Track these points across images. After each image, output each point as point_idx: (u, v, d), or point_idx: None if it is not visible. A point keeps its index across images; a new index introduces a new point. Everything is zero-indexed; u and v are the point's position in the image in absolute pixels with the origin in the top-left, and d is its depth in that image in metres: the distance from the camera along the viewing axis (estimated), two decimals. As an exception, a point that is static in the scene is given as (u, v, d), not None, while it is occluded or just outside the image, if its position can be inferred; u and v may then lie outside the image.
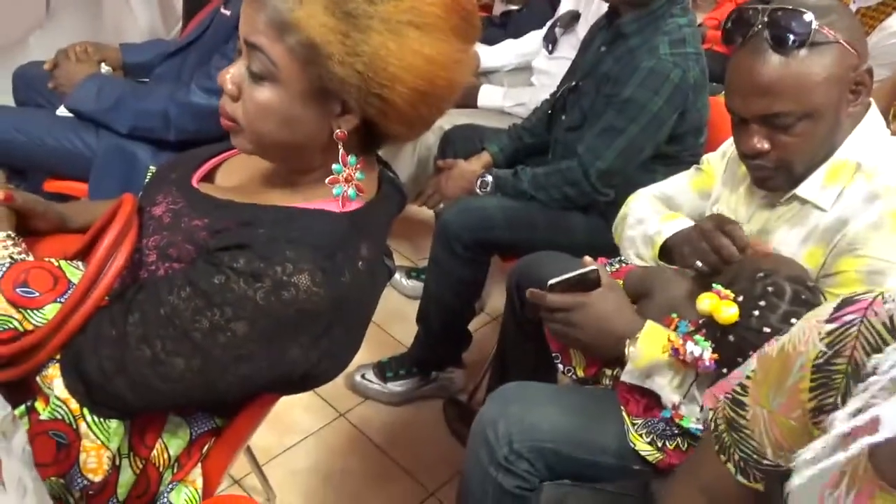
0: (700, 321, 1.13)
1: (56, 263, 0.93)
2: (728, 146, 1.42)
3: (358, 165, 0.92)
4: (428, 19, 0.82)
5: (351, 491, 1.85)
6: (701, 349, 1.09)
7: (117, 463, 0.94)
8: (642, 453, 1.21)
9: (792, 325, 1.03)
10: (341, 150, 0.89)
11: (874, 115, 1.18)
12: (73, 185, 1.93)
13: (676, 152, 1.83)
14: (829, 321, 0.74)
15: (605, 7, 1.88)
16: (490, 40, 2.76)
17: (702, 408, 1.15)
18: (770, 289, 1.07)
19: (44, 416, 0.89)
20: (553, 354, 1.38)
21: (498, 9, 3.22)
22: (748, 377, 0.85)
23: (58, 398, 0.88)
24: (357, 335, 1.02)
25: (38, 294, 0.89)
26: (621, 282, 1.37)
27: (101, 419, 0.89)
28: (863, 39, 1.13)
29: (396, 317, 2.32)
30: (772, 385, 0.80)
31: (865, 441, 0.57)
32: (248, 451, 1.72)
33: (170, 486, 0.99)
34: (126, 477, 0.96)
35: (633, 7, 1.76)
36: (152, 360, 0.86)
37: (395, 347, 2.20)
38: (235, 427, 1.04)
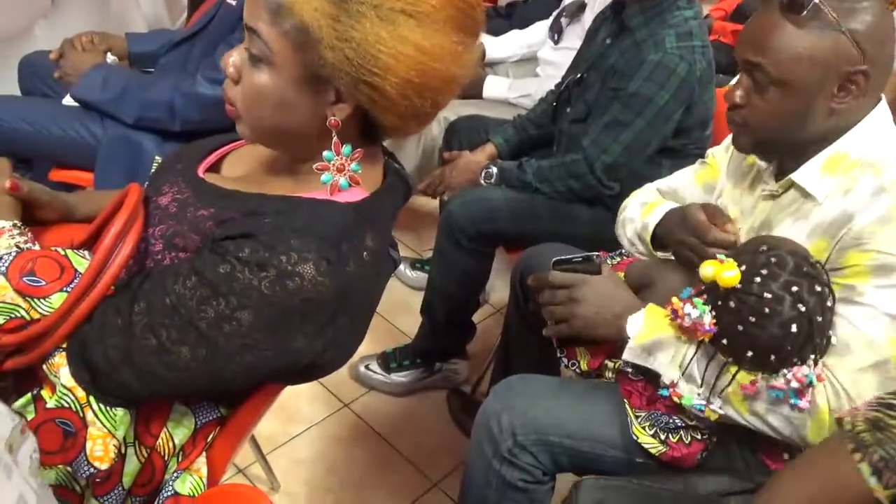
0: (703, 287, 1.14)
1: (62, 252, 0.93)
2: (731, 139, 1.42)
3: (354, 156, 0.92)
4: (422, 8, 0.81)
5: (354, 481, 1.86)
6: (700, 312, 1.10)
7: (123, 451, 0.94)
8: (645, 446, 1.21)
9: (793, 293, 1.04)
10: (334, 139, 0.90)
11: (882, 111, 1.17)
12: (78, 174, 1.94)
13: (682, 146, 1.82)
14: None
15: (610, -3, 1.88)
16: (495, 31, 2.75)
17: (700, 385, 1.15)
18: (773, 259, 1.08)
19: (50, 404, 0.89)
20: (556, 347, 1.38)
21: (503, -1, 3.21)
22: None
23: (64, 386, 0.88)
24: (361, 325, 1.02)
25: (44, 283, 0.90)
26: (622, 274, 1.38)
27: (108, 407, 0.89)
28: (882, 45, 1.10)
29: (401, 308, 2.33)
30: None
31: None
32: (252, 441, 1.73)
33: (175, 475, 0.99)
34: (131, 465, 0.96)
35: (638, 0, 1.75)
36: (158, 349, 0.86)
37: (400, 338, 2.21)
38: (240, 416, 1.05)
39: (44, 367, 0.91)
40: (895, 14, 1.18)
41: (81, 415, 0.89)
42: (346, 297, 0.90)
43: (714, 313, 1.10)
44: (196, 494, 0.99)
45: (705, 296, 1.12)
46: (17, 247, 0.95)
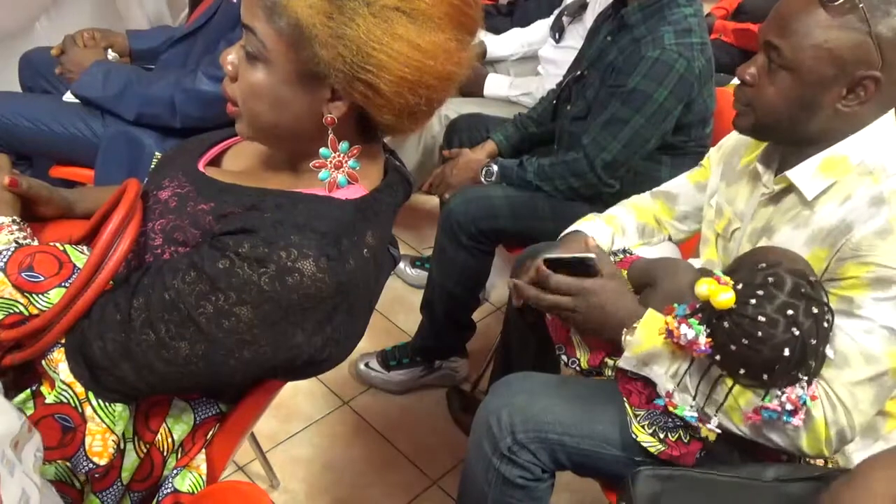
0: (698, 305, 1.13)
1: (61, 248, 0.93)
2: (726, 139, 1.42)
3: (352, 153, 0.92)
4: (417, 6, 0.81)
5: (354, 478, 1.86)
6: (695, 333, 1.09)
7: (122, 447, 0.94)
8: (644, 445, 1.21)
9: (788, 316, 1.03)
10: (331, 136, 0.90)
11: (888, 120, 1.15)
12: (78, 171, 1.94)
13: (682, 143, 1.82)
14: None
15: (612, -5, 1.87)
16: (497, 29, 2.75)
17: (694, 396, 1.15)
18: (770, 279, 1.06)
19: (49, 399, 0.89)
20: (556, 345, 1.38)
21: (505, -3, 3.21)
22: None
23: (63, 382, 0.88)
24: (361, 322, 1.02)
25: (43, 278, 0.90)
26: (625, 271, 1.37)
27: (107, 403, 0.89)
28: None
29: (400, 305, 2.33)
30: None
31: None
32: (252, 438, 1.73)
33: (175, 472, 0.99)
34: (130, 461, 0.96)
35: (638, -4, 1.75)
36: (157, 344, 0.86)
37: (399, 336, 2.21)
38: (240, 413, 1.05)
39: (43, 362, 0.91)
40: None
41: (80, 410, 0.89)
42: (345, 293, 0.90)
43: (708, 330, 1.10)
44: (195, 491, 0.99)
45: (700, 315, 1.12)
46: (16, 242, 0.95)
